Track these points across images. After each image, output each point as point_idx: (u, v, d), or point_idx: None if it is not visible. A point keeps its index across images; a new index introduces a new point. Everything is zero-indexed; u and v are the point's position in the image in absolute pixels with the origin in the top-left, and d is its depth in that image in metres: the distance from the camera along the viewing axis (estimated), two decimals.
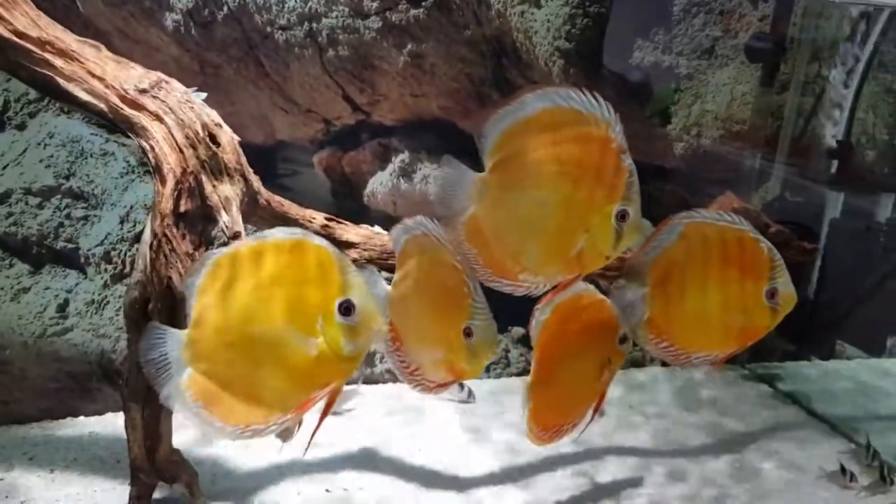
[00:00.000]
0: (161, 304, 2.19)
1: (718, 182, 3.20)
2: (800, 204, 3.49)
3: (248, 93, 3.15)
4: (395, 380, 3.39)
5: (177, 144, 2.21)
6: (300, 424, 2.75)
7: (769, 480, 2.84)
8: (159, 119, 2.22)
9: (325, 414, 1.76)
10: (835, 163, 3.15)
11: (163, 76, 2.28)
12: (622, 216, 1.78)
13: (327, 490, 2.60)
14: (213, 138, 2.25)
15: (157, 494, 2.42)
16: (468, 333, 1.90)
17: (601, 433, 3.09)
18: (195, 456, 2.66)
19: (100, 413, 2.87)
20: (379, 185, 3.34)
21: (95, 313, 2.93)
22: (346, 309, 1.67)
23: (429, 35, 3.08)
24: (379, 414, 3.12)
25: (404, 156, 3.31)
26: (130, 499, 2.40)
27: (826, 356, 3.86)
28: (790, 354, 3.84)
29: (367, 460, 2.79)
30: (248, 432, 1.75)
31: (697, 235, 1.99)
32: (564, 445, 2.97)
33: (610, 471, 2.82)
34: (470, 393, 3.23)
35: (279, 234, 1.72)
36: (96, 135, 3.05)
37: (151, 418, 2.34)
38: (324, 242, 1.71)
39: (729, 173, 3.44)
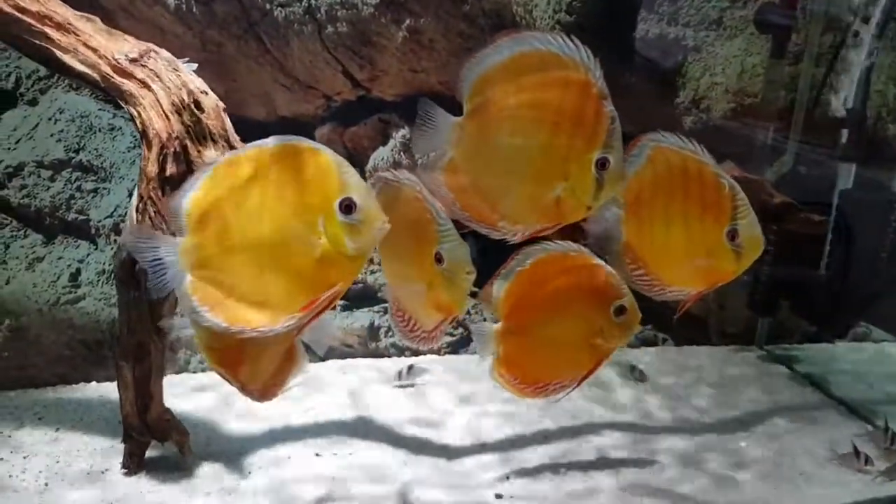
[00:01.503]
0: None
1: (731, 157, 3.13)
2: (814, 177, 3.38)
3: (250, 70, 3.23)
4: (399, 354, 3.45)
5: (163, 111, 2.29)
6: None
7: (776, 462, 2.76)
8: (147, 87, 2.31)
9: (322, 311, 1.76)
10: (845, 132, 3.05)
11: (152, 46, 2.37)
12: (603, 164, 1.74)
13: (317, 454, 2.64)
14: (198, 105, 2.31)
15: (151, 453, 2.52)
16: (439, 259, 1.89)
17: (602, 407, 3.07)
18: (191, 419, 2.77)
19: (111, 379, 2.95)
20: (380, 160, 3.37)
21: (106, 283, 3.05)
22: (348, 207, 1.67)
23: (427, 10, 3.10)
24: (377, 385, 3.16)
25: (405, 131, 3.34)
26: (125, 456, 2.51)
27: (844, 336, 3.74)
28: (811, 336, 3.73)
29: (361, 428, 2.83)
30: (256, 333, 1.76)
31: (663, 161, 1.94)
32: (563, 418, 2.98)
33: (613, 446, 2.79)
34: (410, 370, 3.15)
35: (272, 140, 1.71)
36: (104, 110, 3.18)
37: (142, 377, 2.44)
38: (319, 145, 1.71)
39: (742, 147, 3.36)
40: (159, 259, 1.74)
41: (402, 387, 3.15)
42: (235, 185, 1.71)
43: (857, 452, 2.72)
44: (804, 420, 3.06)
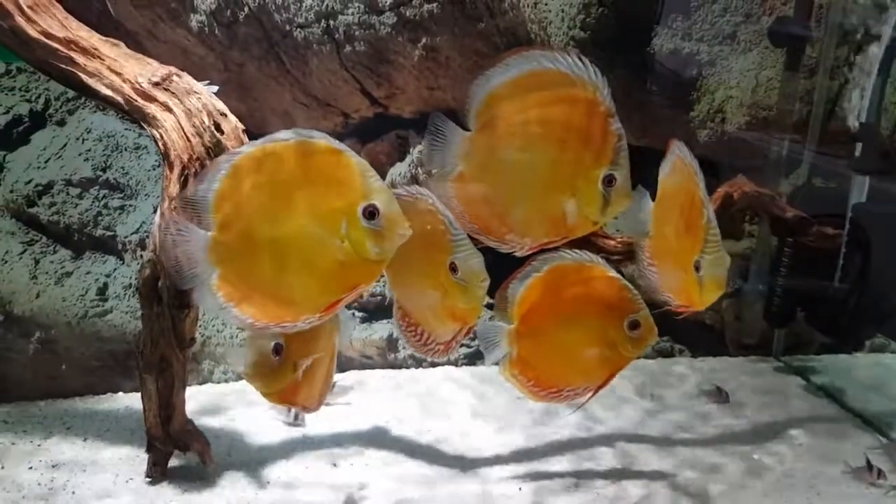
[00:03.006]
0: (170, 281, 2.37)
1: (747, 170, 3.14)
2: (829, 190, 3.39)
3: (270, 89, 3.32)
4: (417, 365, 3.50)
5: (184, 133, 2.37)
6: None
7: (787, 473, 2.76)
8: (169, 109, 2.40)
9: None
10: (859, 146, 3.05)
11: (174, 70, 2.45)
12: (609, 181, 1.79)
13: (334, 465, 2.71)
14: (218, 127, 2.39)
15: (174, 463, 2.61)
16: (454, 269, 1.93)
17: (621, 419, 3.10)
18: (213, 430, 2.86)
19: (137, 390, 3.01)
20: (398, 175, 3.43)
21: (133, 296, 3.14)
22: (371, 213, 1.70)
23: (443, 29, 3.16)
24: (394, 397, 3.22)
25: (422, 147, 3.38)
26: (149, 465, 2.59)
27: (860, 349, 3.73)
28: (828, 347, 3.73)
29: (377, 439, 2.89)
30: (280, 328, 1.82)
31: (679, 170, 2.01)
32: (576, 430, 3.00)
33: (626, 456, 2.82)
34: (297, 416, 3.02)
35: (290, 134, 1.72)
36: (130, 130, 3.29)
37: (165, 389, 2.52)
38: (342, 146, 1.74)
39: (757, 160, 3.37)
40: (190, 253, 1.78)
41: (328, 405, 3.04)
42: (259, 182, 1.74)
43: (869, 466, 2.70)
44: (818, 432, 3.05)
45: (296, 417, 2.95)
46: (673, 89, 3.33)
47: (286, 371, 2.03)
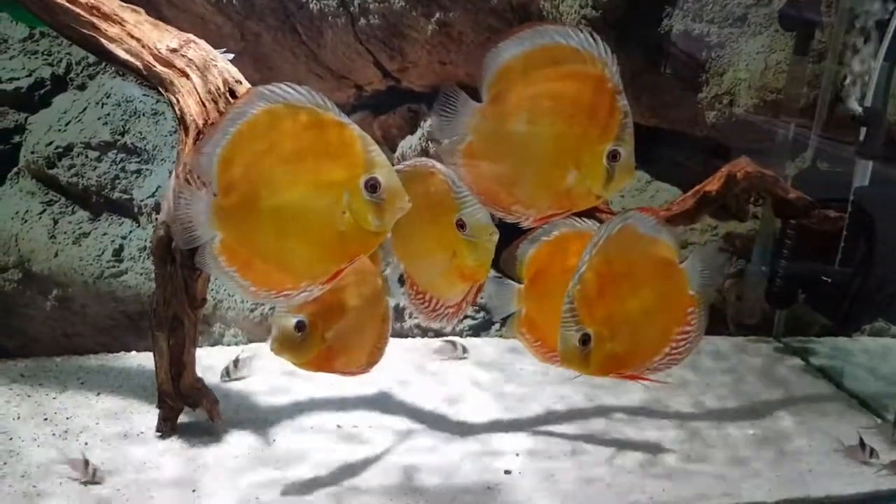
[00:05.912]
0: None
1: (754, 151, 3.17)
2: (833, 173, 3.41)
3: (285, 59, 3.36)
4: (422, 335, 3.58)
5: (200, 98, 2.44)
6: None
7: (781, 451, 2.80)
8: (186, 75, 2.46)
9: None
10: (864, 130, 3.08)
11: (192, 37, 2.52)
12: (614, 156, 1.83)
13: (338, 426, 2.79)
14: (233, 93, 2.46)
15: (183, 419, 2.70)
16: (461, 226, 1.98)
17: (612, 393, 3.14)
18: (222, 389, 2.95)
19: (150, 349, 3.07)
20: (408, 148, 3.49)
21: (147, 258, 3.21)
22: (373, 187, 1.75)
23: (456, 4, 3.21)
24: (399, 363, 3.29)
25: (432, 119, 3.43)
26: (159, 420, 2.68)
27: (859, 332, 3.78)
28: (829, 329, 3.77)
29: (381, 402, 2.98)
30: (281, 296, 1.86)
31: None
32: (576, 400, 3.07)
33: (626, 432, 2.87)
34: (465, 349, 3.28)
35: (302, 94, 1.76)
36: (148, 96, 3.35)
37: (176, 347, 2.61)
38: (346, 119, 1.78)
39: (764, 142, 3.40)
40: (194, 215, 1.82)
41: (232, 380, 3.07)
42: (263, 150, 1.77)
43: (862, 444, 2.74)
44: (814, 411, 3.10)
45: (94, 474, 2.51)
46: (683, 70, 3.36)
47: (314, 342, 2.06)
